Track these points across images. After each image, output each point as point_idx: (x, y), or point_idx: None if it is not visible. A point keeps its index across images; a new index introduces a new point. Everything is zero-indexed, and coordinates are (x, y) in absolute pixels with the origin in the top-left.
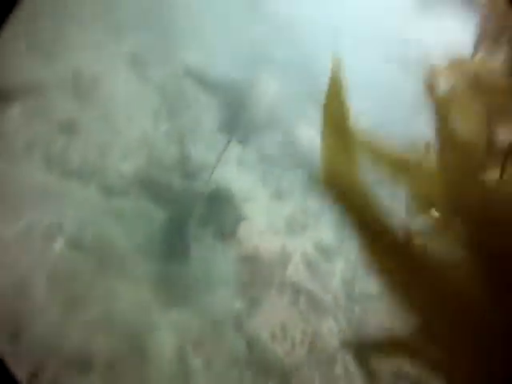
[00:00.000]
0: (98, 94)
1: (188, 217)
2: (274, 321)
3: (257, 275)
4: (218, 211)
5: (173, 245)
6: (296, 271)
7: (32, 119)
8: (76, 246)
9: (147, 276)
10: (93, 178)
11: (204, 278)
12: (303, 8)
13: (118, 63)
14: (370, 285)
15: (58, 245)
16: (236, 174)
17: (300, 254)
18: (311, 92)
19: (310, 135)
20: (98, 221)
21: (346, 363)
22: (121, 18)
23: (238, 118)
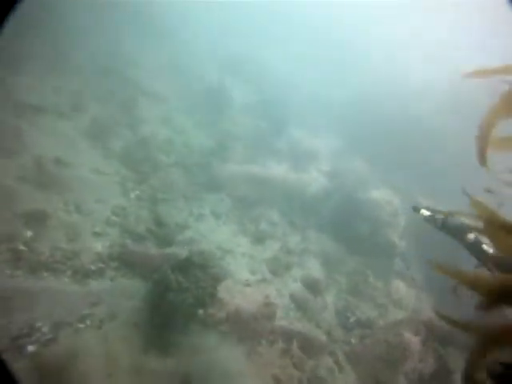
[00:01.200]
0: (62, 177)
1: (166, 287)
2: (267, 376)
3: (244, 332)
4: (195, 276)
5: (159, 322)
6: (286, 315)
7: None
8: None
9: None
10: (66, 266)
11: (195, 346)
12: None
13: (79, 140)
14: (365, 311)
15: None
16: (213, 227)
17: (288, 295)
18: (276, 125)
19: (281, 169)
20: (73, 319)
21: None
22: (77, 90)
23: (209, 167)
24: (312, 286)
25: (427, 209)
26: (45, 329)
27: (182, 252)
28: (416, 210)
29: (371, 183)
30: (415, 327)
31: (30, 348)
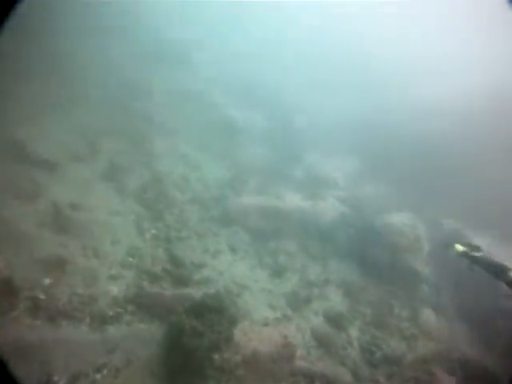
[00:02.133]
0: (78, 221)
1: (181, 332)
2: None
3: (262, 375)
4: (210, 320)
5: (174, 369)
6: (307, 355)
7: (15, 268)
8: None
9: None
10: (84, 313)
11: None
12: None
13: (94, 181)
14: (392, 345)
15: None
16: (230, 263)
17: (310, 331)
18: (289, 152)
19: (297, 198)
20: (90, 370)
21: None
22: (92, 131)
23: (224, 201)
24: (334, 320)
25: (462, 244)
26: (62, 382)
27: (198, 293)
28: (449, 246)
29: (391, 207)
30: (449, 364)
31: None
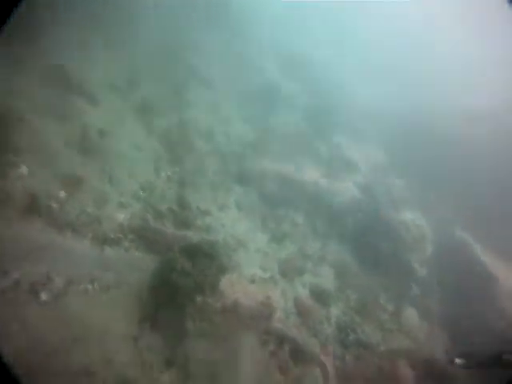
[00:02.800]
0: (102, 147)
1: (172, 268)
2: (251, 375)
3: (236, 326)
4: (201, 263)
5: (159, 300)
6: (284, 319)
7: (37, 177)
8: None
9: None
10: (88, 229)
11: (186, 331)
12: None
13: (126, 114)
14: (368, 332)
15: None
16: (234, 218)
17: (293, 299)
18: (321, 129)
19: (316, 173)
20: (84, 279)
21: None
22: (135, 68)
23: (243, 159)
24: (320, 296)
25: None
26: (59, 283)
27: (197, 237)
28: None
29: (406, 204)
30: (415, 360)
31: (44, 296)
